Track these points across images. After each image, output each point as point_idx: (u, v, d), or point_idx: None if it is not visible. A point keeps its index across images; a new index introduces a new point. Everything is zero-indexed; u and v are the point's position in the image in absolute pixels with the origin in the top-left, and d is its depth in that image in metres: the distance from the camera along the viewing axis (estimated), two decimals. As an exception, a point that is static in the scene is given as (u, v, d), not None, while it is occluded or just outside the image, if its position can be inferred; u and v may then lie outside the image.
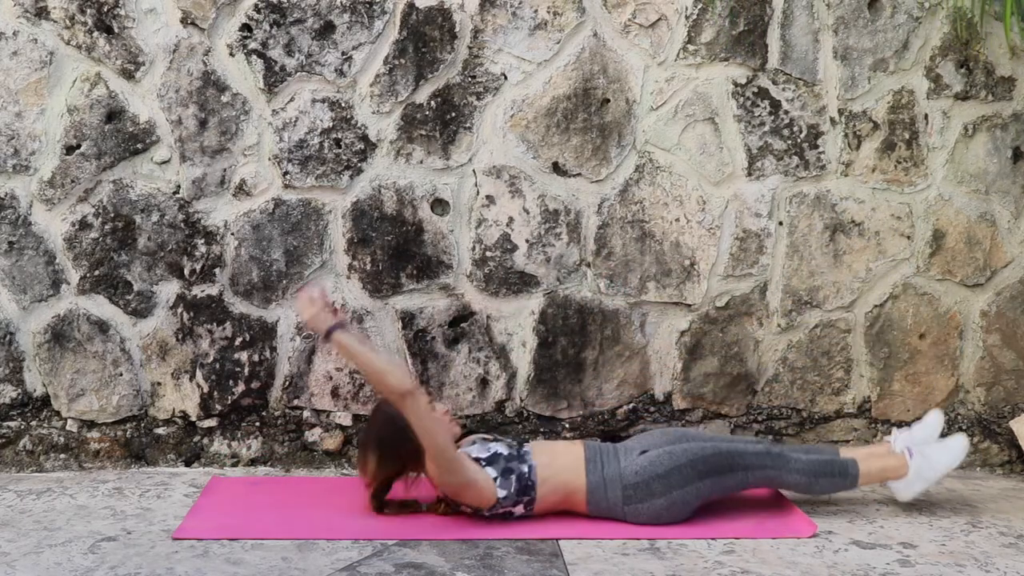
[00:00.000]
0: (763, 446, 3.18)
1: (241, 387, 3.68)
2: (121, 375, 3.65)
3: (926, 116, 3.75)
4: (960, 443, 3.26)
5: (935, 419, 3.34)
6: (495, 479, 3.02)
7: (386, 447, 3.08)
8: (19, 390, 3.64)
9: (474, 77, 3.64)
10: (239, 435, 3.70)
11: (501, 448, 3.10)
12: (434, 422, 2.97)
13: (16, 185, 3.59)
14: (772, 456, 3.15)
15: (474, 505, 3.05)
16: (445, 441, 2.98)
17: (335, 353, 3.67)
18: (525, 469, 3.06)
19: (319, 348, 3.67)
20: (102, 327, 3.64)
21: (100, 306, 3.64)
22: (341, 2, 3.60)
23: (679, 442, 3.14)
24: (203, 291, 3.65)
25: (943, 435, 3.33)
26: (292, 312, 3.67)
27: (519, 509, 3.07)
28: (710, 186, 3.71)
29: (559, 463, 3.10)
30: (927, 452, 3.23)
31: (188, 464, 3.69)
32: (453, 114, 3.65)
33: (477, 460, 3.04)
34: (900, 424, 3.80)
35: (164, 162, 3.61)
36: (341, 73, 3.62)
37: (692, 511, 3.11)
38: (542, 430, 3.72)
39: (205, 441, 3.70)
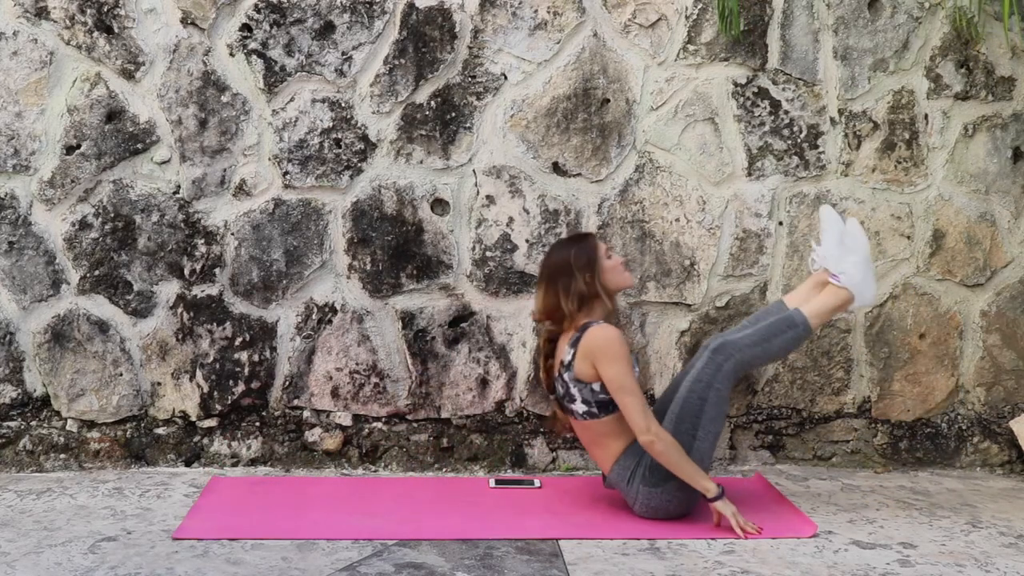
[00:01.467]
0: (706, 355, 3.15)
1: (241, 387, 3.68)
2: (121, 375, 3.65)
3: (926, 116, 3.75)
4: (854, 229, 3.24)
5: (827, 215, 3.29)
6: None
7: (562, 281, 3.15)
8: (19, 390, 3.64)
9: (474, 77, 3.64)
10: (239, 435, 3.70)
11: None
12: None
13: (16, 185, 3.59)
14: (721, 355, 3.13)
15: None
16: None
17: (335, 353, 3.67)
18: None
19: (319, 348, 3.67)
20: (102, 327, 3.64)
21: (100, 306, 3.64)
22: (341, 2, 3.60)
23: (679, 418, 3.15)
24: (203, 291, 3.65)
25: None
26: (292, 312, 3.67)
27: (581, 407, 3.14)
28: (710, 186, 3.71)
29: (626, 430, 3.13)
30: (844, 264, 3.22)
31: (188, 464, 3.69)
32: (453, 114, 3.65)
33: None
34: (900, 424, 3.81)
35: (164, 162, 3.61)
36: (341, 73, 3.62)
37: (709, 460, 3.14)
38: (542, 430, 3.72)
39: (205, 441, 3.70)
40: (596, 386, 3.11)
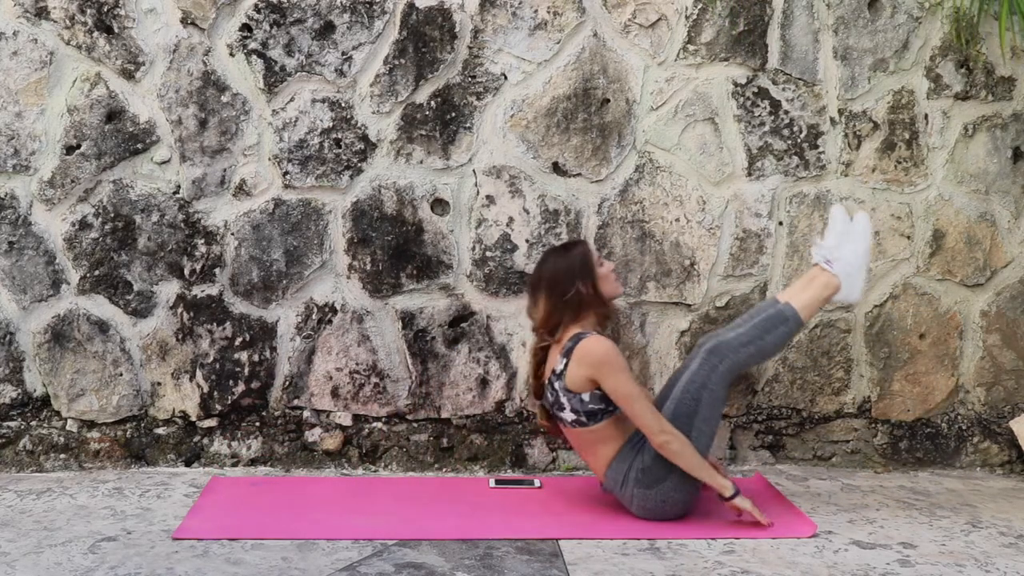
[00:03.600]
0: (701, 356, 3.15)
1: (241, 387, 3.68)
2: (121, 375, 3.65)
3: (926, 116, 3.75)
4: (861, 221, 3.24)
5: (836, 214, 3.29)
6: (597, 389, 3.10)
7: (559, 290, 3.15)
8: (19, 390, 3.64)
9: (474, 77, 3.64)
10: (239, 435, 3.70)
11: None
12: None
13: (16, 185, 3.59)
14: (716, 356, 3.14)
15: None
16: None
17: (335, 353, 3.67)
18: (609, 409, 3.13)
19: (319, 348, 3.68)
20: (102, 327, 3.64)
21: (100, 306, 3.64)
22: (341, 2, 3.60)
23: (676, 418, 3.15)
24: (203, 291, 3.65)
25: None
26: (292, 312, 3.67)
27: (570, 416, 3.14)
28: (710, 186, 3.71)
29: (617, 428, 3.15)
30: (841, 253, 3.22)
31: (188, 464, 3.69)
32: (453, 114, 3.65)
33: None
34: (900, 424, 3.81)
35: (164, 162, 3.61)
36: (341, 73, 3.62)
37: (697, 484, 3.12)
38: (542, 430, 3.71)
39: (205, 441, 3.70)
40: (586, 396, 3.10)
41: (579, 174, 3.69)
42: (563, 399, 3.13)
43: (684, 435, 3.07)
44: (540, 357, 3.25)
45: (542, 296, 3.19)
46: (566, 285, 3.15)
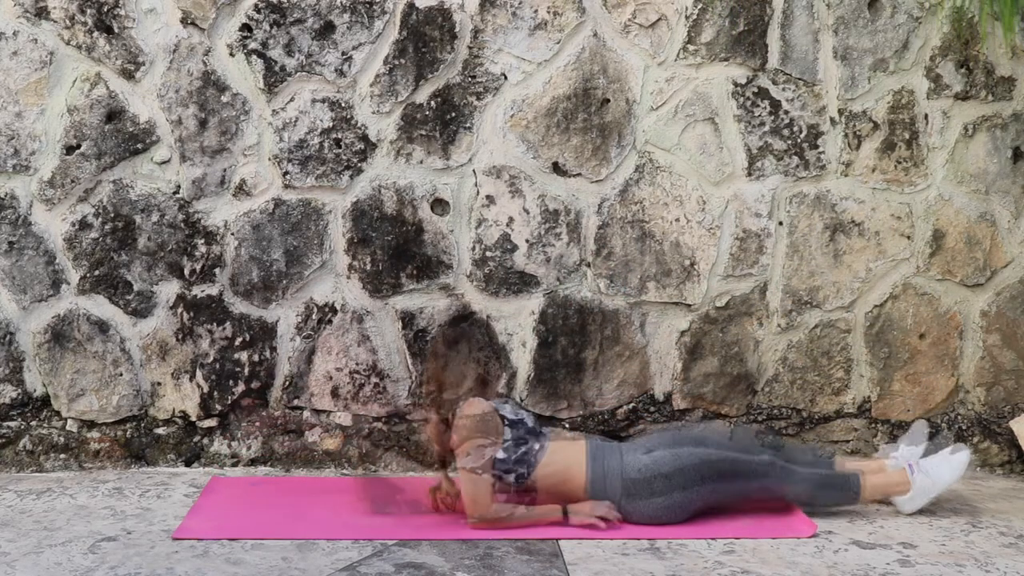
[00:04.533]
0: (768, 456, 3.17)
1: (241, 387, 3.68)
2: (121, 375, 3.65)
3: (926, 116, 3.75)
4: (962, 458, 3.26)
5: (919, 428, 3.37)
6: (505, 441, 3.07)
7: (450, 378, 3.17)
8: (19, 390, 3.64)
9: (474, 77, 3.64)
10: (239, 435, 3.70)
11: (528, 419, 3.16)
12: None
13: (16, 185, 3.59)
14: (776, 468, 3.15)
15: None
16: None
17: (335, 353, 3.67)
18: (536, 447, 3.11)
19: (319, 348, 3.68)
20: (102, 327, 3.63)
21: (100, 306, 3.64)
22: (341, 2, 3.60)
23: (684, 445, 3.14)
24: (203, 291, 3.65)
25: (931, 436, 3.37)
26: (292, 312, 3.67)
27: (510, 478, 3.10)
28: (710, 186, 3.71)
29: (563, 454, 3.14)
30: (928, 467, 3.25)
31: (188, 464, 3.69)
32: (453, 114, 3.65)
33: (503, 417, 3.10)
34: (900, 424, 3.80)
35: (164, 162, 3.61)
36: (341, 73, 3.62)
37: (689, 515, 3.10)
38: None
39: (205, 441, 3.70)
40: (501, 454, 3.06)
41: (579, 174, 3.69)
42: (490, 471, 3.07)
43: (687, 487, 3.06)
44: (441, 428, 3.19)
45: (437, 378, 3.22)
46: (458, 371, 3.20)
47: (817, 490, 3.18)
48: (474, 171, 3.67)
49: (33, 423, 3.65)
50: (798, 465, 3.20)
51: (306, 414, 3.71)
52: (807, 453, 3.36)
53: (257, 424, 3.70)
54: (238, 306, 3.67)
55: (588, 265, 3.71)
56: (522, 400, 3.71)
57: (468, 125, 3.65)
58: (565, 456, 3.13)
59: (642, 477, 3.07)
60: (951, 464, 3.25)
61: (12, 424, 3.64)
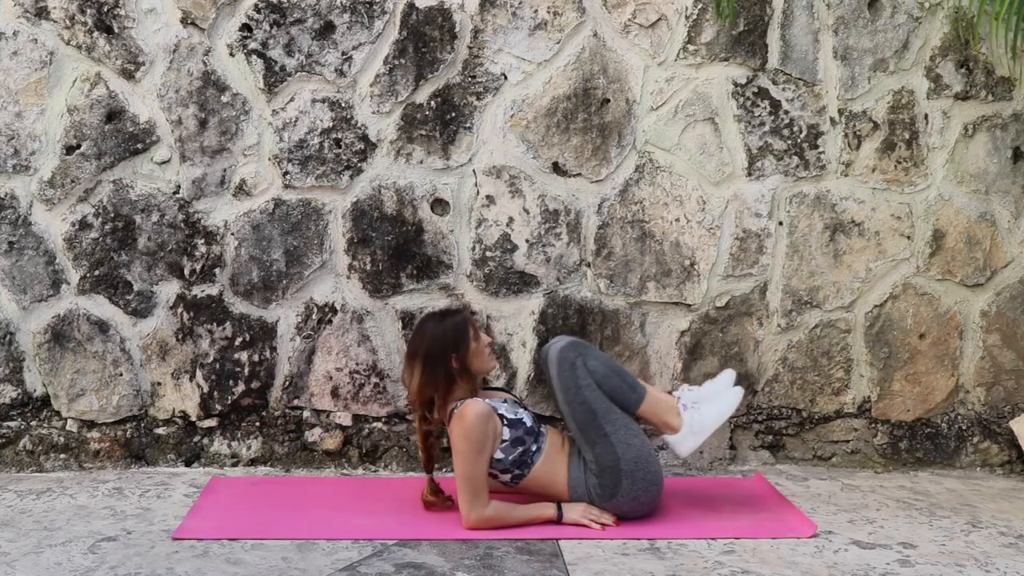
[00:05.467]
0: (555, 362, 3.09)
1: (241, 387, 3.68)
2: (121, 375, 3.65)
3: (926, 116, 3.75)
4: (733, 394, 3.20)
5: (725, 377, 3.26)
6: (503, 441, 3.06)
7: (431, 362, 3.10)
8: (19, 390, 3.64)
9: (474, 77, 3.64)
10: (239, 435, 3.70)
11: (526, 419, 3.13)
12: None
13: (16, 185, 3.59)
14: (572, 352, 3.08)
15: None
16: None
17: (335, 353, 3.67)
18: (533, 448, 3.11)
19: (319, 348, 3.68)
20: (102, 327, 3.64)
21: (100, 306, 3.64)
22: (341, 2, 3.60)
23: (588, 425, 3.10)
24: (203, 291, 3.65)
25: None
26: (292, 312, 3.67)
27: (506, 477, 3.11)
28: (710, 186, 3.71)
29: (554, 457, 3.14)
30: (701, 407, 3.18)
31: (188, 464, 3.69)
32: (453, 114, 3.65)
33: (501, 417, 3.08)
34: (900, 424, 3.81)
35: (164, 162, 3.61)
36: (341, 73, 3.62)
37: (651, 467, 3.08)
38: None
39: (205, 441, 3.70)
40: (499, 454, 3.07)
41: (579, 174, 3.69)
42: (487, 473, 3.08)
43: (604, 435, 3.05)
44: (425, 431, 3.20)
45: (417, 366, 3.12)
46: (438, 358, 3.10)
47: (611, 373, 3.11)
48: (474, 171, 3.67)
49: (33, 423, 3.65)
50: (598, 351, 3.17)
51: (306, 414, 3.71)
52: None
53: (257, 424, 3.70)
54: (238, 306, 3.67)
55: (588, 265, 3.71)
56: (522, 400, 3.71)
57: (468, 125, 3.65)
58: (557, 459, 3.14)
59: (598, 481, 3.09)
60: (721, 400, 3.19)
61: (12, 424, 3.64)
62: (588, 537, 2.99)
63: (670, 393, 3.30)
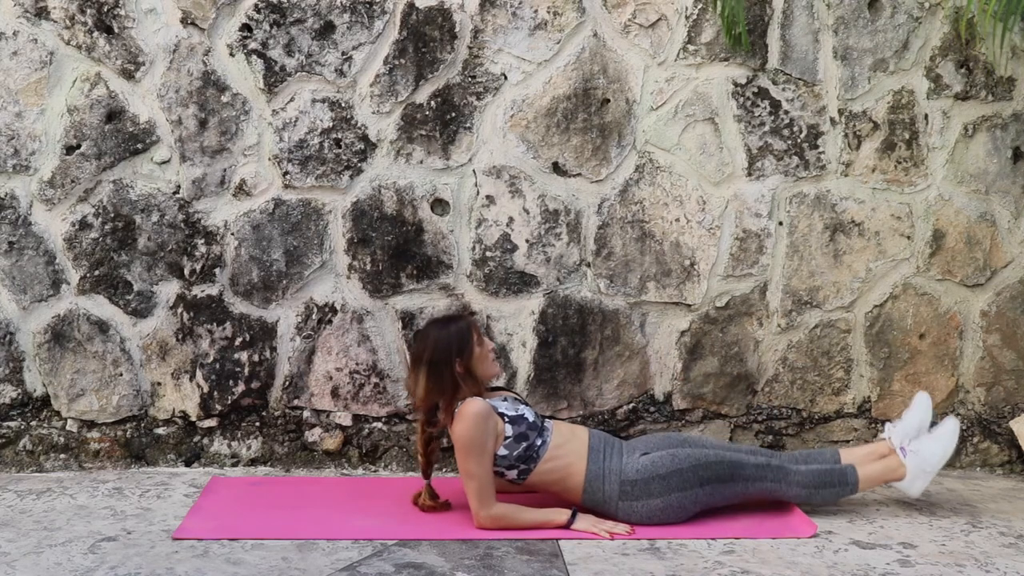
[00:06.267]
0: (764, 458, 3.18)
1: (241, 387, 3.68)
2: (121, 375, 3.65)
3: (926, 116, 3.75)
4: (950, 428, 3.23)
5: (922, 401, 3.30)
6: (506, 438, 3.05)
7: (436, 368, 3.10)
8: (19, 390, 3.65)
9: (474, 77, 3.64)
10: (239, 435, 3.70)
11: (528, 414, 3.13)
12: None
13: (16, 185, 3.59)
14: (773, 469, 3.16)
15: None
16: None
17: (335, 353, 3.67)
18: (538, 443, 3.10)
19: (319, 348, 3.68)
20: (102, 327, 3.64)
21: (100, 306, 3.64)
22: (341, 2, 3.60)
23: (682, 446, 3.15)
24: (203, 291, 3.65)
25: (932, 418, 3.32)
26: (292, 312, 3.67)
27: (512, 474, 3.10)
28: (710, 186, 3.71)
29: (568, 447, 3.13)
30: (920, 447, 3.22)
31: (188, 464, 3.69)
32: (453, 114, 3.65)
33: (502, 415, 3.08)
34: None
35: (164, 162, 3.61)
36: (341, 73, 3.62)
37: (687, 516, 3.11)
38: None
39: (205, 441, 3.70)
40: (502, 451, 3.06)
41: (579, 174, 3.69)
42: (492, 471, 3.08)
43: (685, 489, 3.07)
44: (428, 436, 3.20)
45: (422, 373, 3.12)
46: (442, 364, 3.09)
47: (815, 489, 3.18)
48: (474, 171, 3.67)
49: (33, 423, 3.65)
50: (795, 463, 3.20)
51: (306, 414, 3.71)
52: (804, 453, 3.34)
53: (257, 424, 3.70)
54: (238, 306, 3.67)
55: (588, 265, 3.71)
56: (522, 397, 3.71)
57: (468, 125, 3.65)
58: (566, 452, 3.12)
59: (640, 479, 3.07)
60: (940, 438, 3.22)
61: (12, 424, 3.64)
62: (588, 537, 2.99)
63: (876, 437, 3.38)
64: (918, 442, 3.23)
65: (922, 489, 3.23)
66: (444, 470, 3.71)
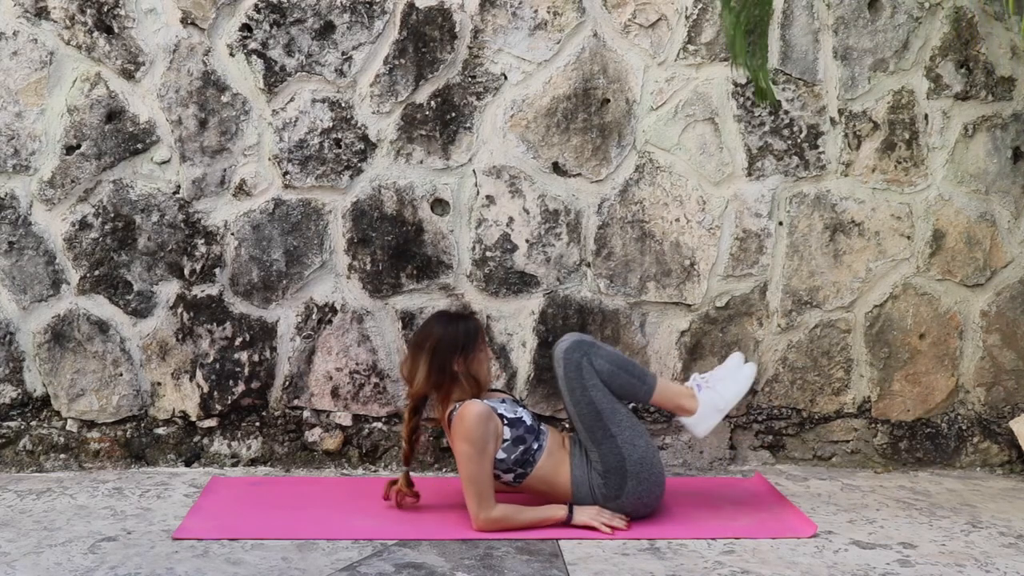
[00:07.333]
0: (562, 360, 3.09)
1: (241, 387, 3.68)
2: (121, 375, 3.65)
3: (926, 116, 3.75)
4: (747, 371, 3.21)
5: (735, 359, 3.27)
6: (504, 441, 3.05)
7: (438, 357, 3.10)
8: (19, 390, 3.64)
9: (474, 77, 3.64)
10: (239, 435, 3.70)
11: (526, 417, 3.13)
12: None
13: (16, 185, 3.59)
14: (577, 352, 3.08)
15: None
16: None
17: (335, 353, 3.67)
18: (535, 447, 3.10)
19: (319, 348, 3.68)
20: (102, 327, 3.64)
21: (100, 306, 3.64)
22: (341, 2, 3.60)
23: (595, 425, 3.11)
24: (203, 291, 3.65)
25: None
26: (292, 312, 3.67)
27: (508, 477, 3.10)
28: (710, 186, 3.71)
29: (555, 456, 3.13)
30: (715, 384, 3.19)
31: (188, 464, 3.69)
32: (453, 114, 3.65)
33: (501, 416, 3.07)
34: (900, 424, 3.81)
35: (164, 162, 3.61)
36: (341, 73, 3.62)
37: (651, 454, 3.10)
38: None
39: (205, 441, 3.70)
40: (500, 454, 3.06)
41: (579, 174, 3.69)
42: (499, 454, 3.08)
43: (610, 436, 3.06)
44: (415, 423, 3.19)
45: (423, 359, 3.12)
46: (445, 355, 3.10)
47: (617, 368, 3.11)
48: (474, 171, 3.67)
49: (33, 423, 3.65)
50: (605, 346, 3.17)
51: (306, 414, 3.71)
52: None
53: (257, 424, 3.70)
54: (238, 306, 3.67)
55: (588, 265, 3.71)
56: (522, 400, 3.71)
57: (468, 125, 3.65)
58: (556, 457, 3.13)
59: (603, 481, 3.09)
60: (736, 379, 3.20)
61: (12, 424, 3.64)
62: (588, 537, 2.99)
63: (682, 383, 3.32)
64: (713, 376, 3.21)
65: (709, 429, 3.17)
66: (444, 470, 3.71)
